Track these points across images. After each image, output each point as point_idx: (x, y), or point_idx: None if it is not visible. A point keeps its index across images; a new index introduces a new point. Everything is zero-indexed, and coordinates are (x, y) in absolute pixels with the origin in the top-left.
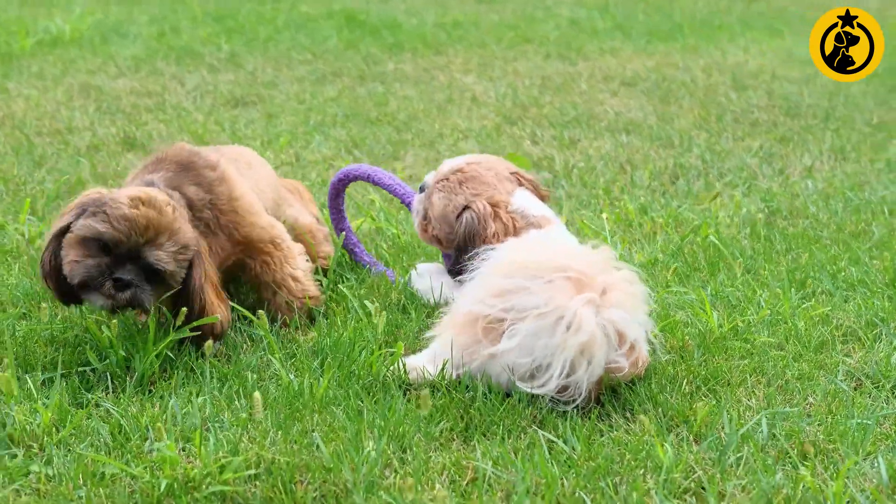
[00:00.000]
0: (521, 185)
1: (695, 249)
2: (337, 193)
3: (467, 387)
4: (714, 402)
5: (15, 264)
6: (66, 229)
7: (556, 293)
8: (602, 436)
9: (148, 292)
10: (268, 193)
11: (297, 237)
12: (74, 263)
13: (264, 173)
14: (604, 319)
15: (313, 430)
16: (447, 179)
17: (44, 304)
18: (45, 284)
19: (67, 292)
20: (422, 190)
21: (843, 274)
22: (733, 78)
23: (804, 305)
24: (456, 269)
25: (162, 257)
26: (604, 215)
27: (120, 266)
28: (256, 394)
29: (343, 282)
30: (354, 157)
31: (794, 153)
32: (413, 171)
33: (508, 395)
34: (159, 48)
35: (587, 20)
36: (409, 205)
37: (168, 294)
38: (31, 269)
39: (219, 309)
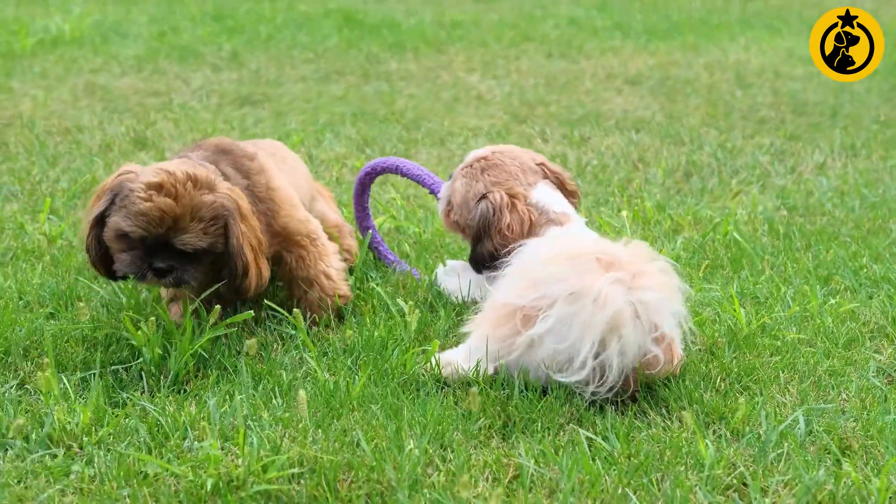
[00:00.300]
0: (546, 177)
1: (716, 247)
2: (363, 189)
3: (503, 384)
4: (753, 399)
5: (38, 264)
6: (101, 217)
7: (586, 275)
8: (640, 433)
9: (190, 271)
10: (304, 187)
11: (326, 233)
12: (118, 258)
13: (299, 168)
14: (633, 298)
15: (353, 429)
16: (471, 166)
17: (81, 304)
18: (93, 268)
19: (115, 273)
20: (450, 178)
21: (864, 271)
22: (736, 76)
23: (830, 302)
24: (474, 259)
25: (188, 240)
26: (623, 213)
27: (156, 255)
28: (302, 392)
29: (368, 280)
30: (367, 156)
31: (805, 150)
32: (428, 168)
33: (545, 392)
34: (160, 48)
35: (586, 19)
36: (437, 194)
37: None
38: (55, 268)
39: (254, 270)
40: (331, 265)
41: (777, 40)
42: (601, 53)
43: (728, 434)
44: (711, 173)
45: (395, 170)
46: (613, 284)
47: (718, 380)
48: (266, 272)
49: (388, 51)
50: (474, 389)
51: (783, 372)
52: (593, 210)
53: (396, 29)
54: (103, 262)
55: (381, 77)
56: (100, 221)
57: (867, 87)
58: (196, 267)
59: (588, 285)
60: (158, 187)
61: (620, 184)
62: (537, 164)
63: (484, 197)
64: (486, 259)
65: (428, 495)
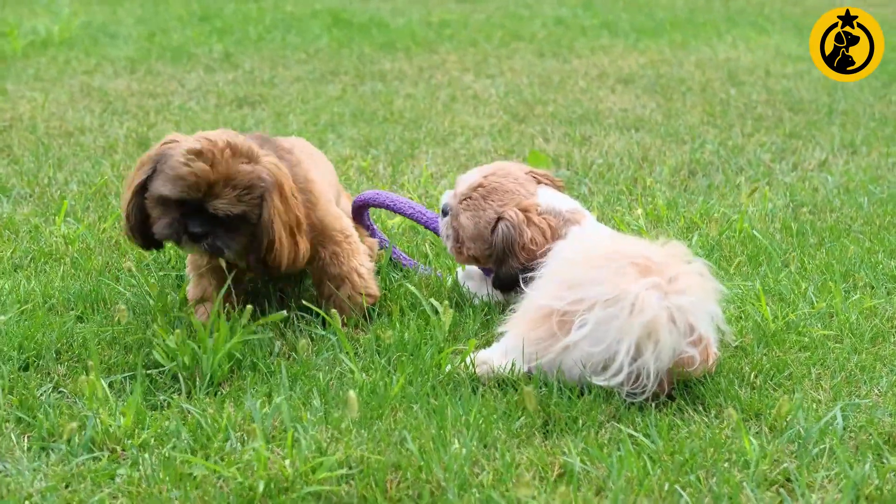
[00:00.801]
0: (539, 182)
1: (732, 244)
2: (360, 215)
3: (544, 384)
4: (796, 396)
5: (58, 267)
6: (143, 185)
7: (623, 279)
8: (680, 430)
9: (224, 238)
10: (332, 184)
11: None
12: (156, 222)
13: (327, 166)
14: (669, 303)
15: (395, 429)
16: (470, 198)
17: (122, 306)
18: (129, 236)
19: (152, 241)
20: (444, 213)
21: (881, 267)
22: (728, 74)
23: (852, 298)
24: (499, 281)
25: (221, 206)
26: (639, 211)
27: (192, 219)
28: (352, 393)
29: (392, 281)
30: (373, 157)
31: (806, 148)
32: (435, 168)
33: (582, 390)
34: (151, 48)
35: (572, 18)
36: (435, 230)
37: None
38: (76, 270)
39: (286, 246)
40: (362, 264)
41: (763, 38)
42: (591, 52)
43: (767, 430)
44: (716, 171)
45: (386, 207)
46: (650, 290)
47: (752, 376)
48: (304, 250)
49: (379, 51)
50: (529, 388)
51: (814, 368)
52: (606, 208)
53: (385, 29)
54: (141, 230)
55: (375, 77)
56: (142, 190)
57: (860, 84)
58: (231, 235)
59: (625, 290)
60: (198, 153)
61: (627, 182)
62: (526, 173)
63: (500, 219)
64: (512, 278)
65: (477, 494)
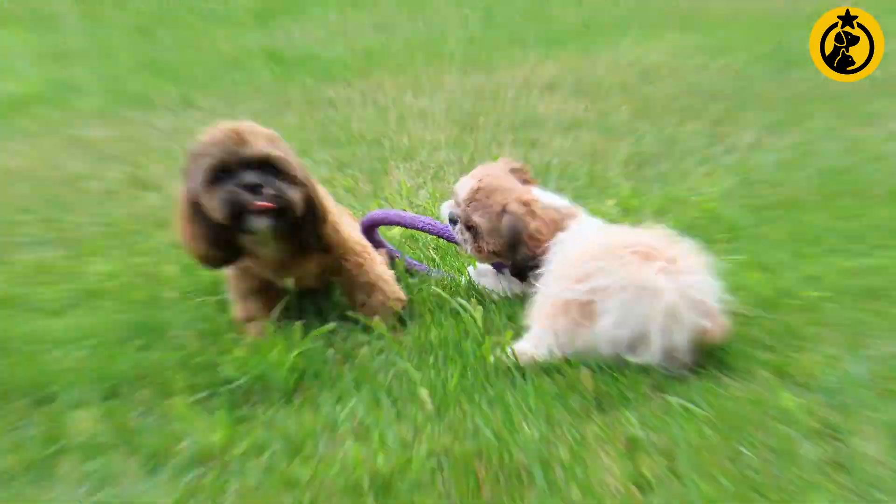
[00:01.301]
0: (525, 181)
1: (703, 223)
2: (370, 232)
3: (585, 365)
4: (815, 353)
5: (107, 302)
6: (194, 196)
7: (630, 267)
8: (718, 396)
9: (285, 183)
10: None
11: None
12: (214, 206)
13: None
14: (681, 283)
15: (466, 420)
16: (475, 200)
17: (190, 332)
18: (204, 257)
19: (228, 247)
20: (453, 222)
21: (841, 230)
22: (640, 73)
23: (829, 260)
24: (516, 269)
25: (259, 147)
26: (610, 202)
27: (245, 176)
28: (424, 390)
29: (410, 287)
30: (352, 176)
31: (735, 132)
32: (411, 181)
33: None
34: (116, 98)
35: (482, 36)
36: (450, 238)
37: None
38: (122, 305)
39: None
40: (385, 271)
41: (653, 40)
42: (510, 65)
43: (795, 388)
44: (662, 160)
45: (397, 224)
46: (660, 274)
47: (766, 340)
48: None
49: (320, 81)
50: (586, 371)
51: (819, 327)
52: (578, 202)
53: (318, 60)
54: (212, 238)
55: (325, 104)
56: (192, 202)
57: (752, 73)
58: (288, 181)
59: (639, 277)
60: (216, 126)
61: (587, 178)
62: (508, 172)
63: (504, 211)
64: (526, 265)
65: (560, 472)
